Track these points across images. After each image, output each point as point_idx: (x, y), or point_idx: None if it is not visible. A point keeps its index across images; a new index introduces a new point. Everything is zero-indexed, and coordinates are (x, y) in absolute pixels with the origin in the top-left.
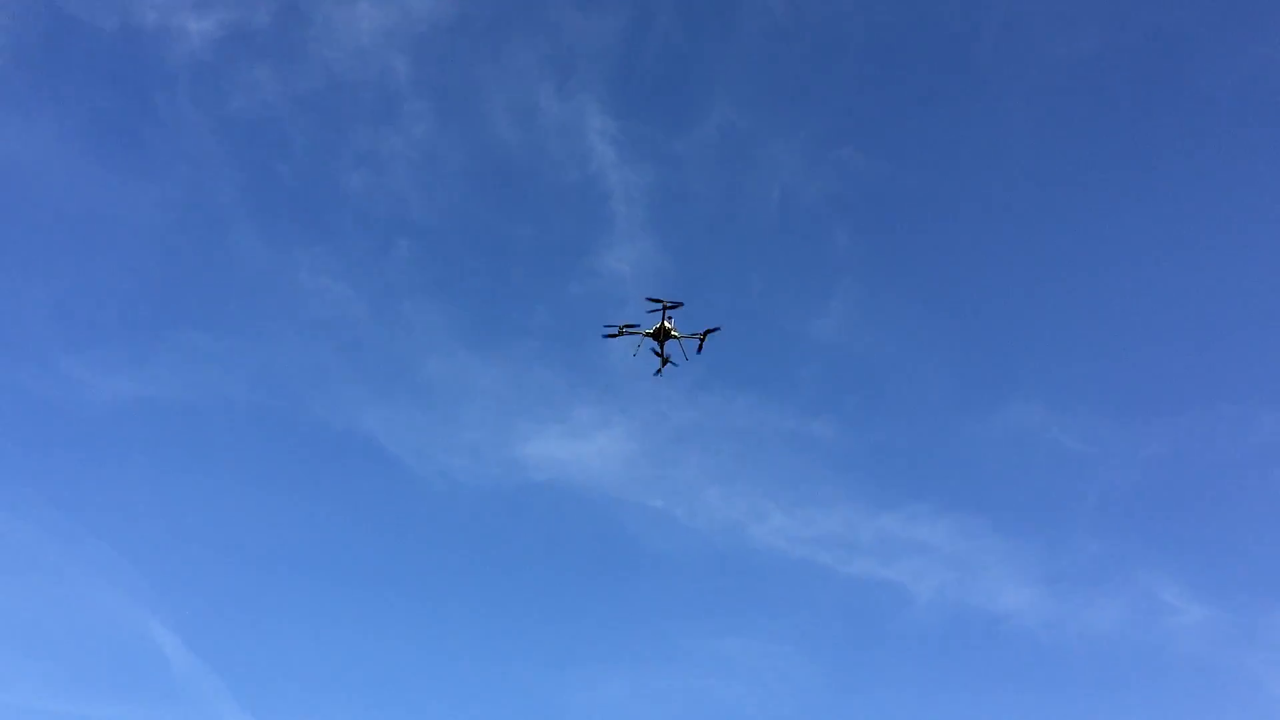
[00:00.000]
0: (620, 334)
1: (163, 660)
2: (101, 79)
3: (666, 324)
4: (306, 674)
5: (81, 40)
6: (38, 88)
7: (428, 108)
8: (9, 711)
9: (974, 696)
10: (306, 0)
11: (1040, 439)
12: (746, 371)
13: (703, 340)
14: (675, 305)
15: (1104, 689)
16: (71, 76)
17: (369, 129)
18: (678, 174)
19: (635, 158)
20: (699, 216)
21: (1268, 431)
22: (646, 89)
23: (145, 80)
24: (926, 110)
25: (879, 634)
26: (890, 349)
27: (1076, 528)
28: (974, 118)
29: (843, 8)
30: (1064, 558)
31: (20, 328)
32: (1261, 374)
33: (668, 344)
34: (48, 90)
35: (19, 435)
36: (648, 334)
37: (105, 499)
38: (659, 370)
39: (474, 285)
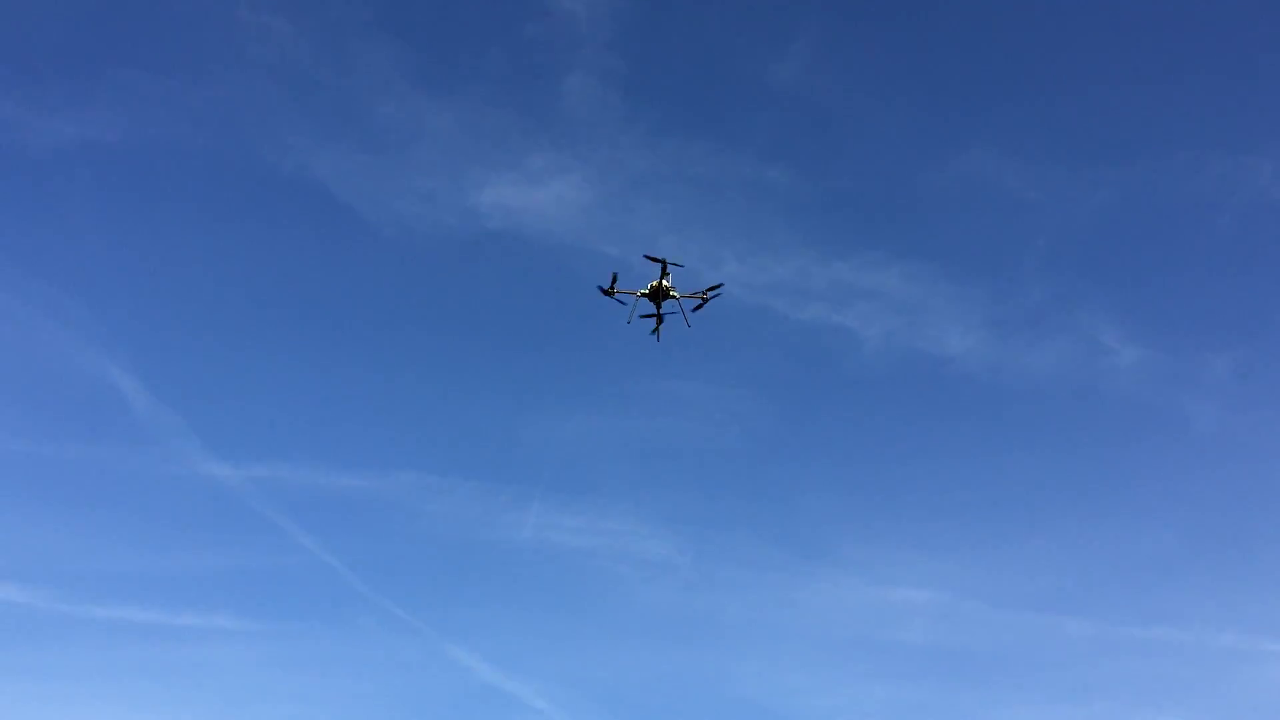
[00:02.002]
0: (613, 291)
1: (123, 402)
2: None
3: (664, 283)
4: (268, 413)
5: None
6: None
7: None
8: None
9: (918, 435)
10: None
11: (993, 186)
12: (705, 117)
13: (704, 300)
14: (676, 265)
15: (1042, 427)
16: None
17: None
18: None
19: None
20: None
21: (1215, 177)
22: None
23: None
24: None
25: (828, 377)
26: (849, 95)
27: (1023, 273)
28: None
29: None
30: (1009, 302)
31: None
32: (1213, 119)
33: (665, 304)
34: None
35: None
36: (643, 294)
37: (53, 242)
38: (655, 330)
39: (423, 23)
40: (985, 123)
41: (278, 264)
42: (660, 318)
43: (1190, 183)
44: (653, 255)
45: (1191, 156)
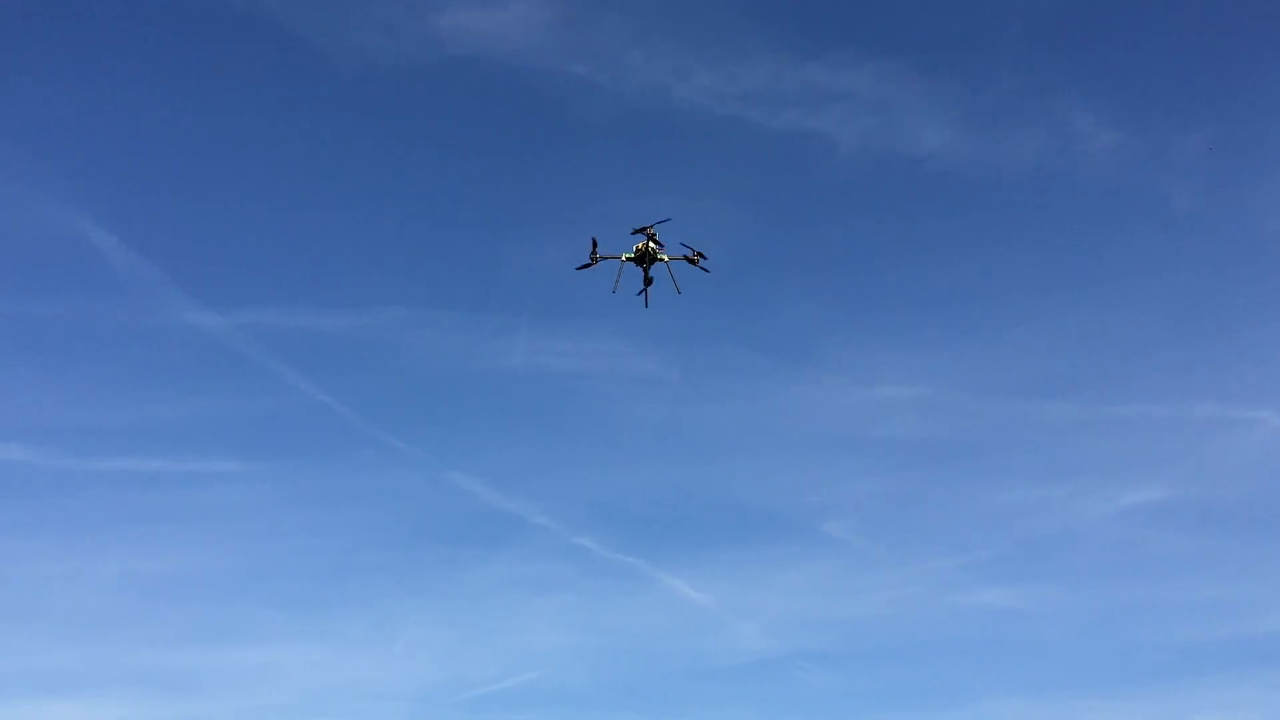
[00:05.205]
0: (594, 263)
1: (100, 257)
2: None
3: (651, 246)
4: (245, 258)
5: None
6: None
7: None
8: None
9: (897, 235)
10: None
11: None
12: None
13: (695, 262)
14: (661, 221)
15: (1019, 218)
16: None
17: None
18: None
19: None
20: None
21: None
22: None
23: None
24: None
25: (805, 184)
26: None
27: (997, 62)
28: None
29: None
30: (984, 94)
31: None
32: None
33: (655, 267)
34: None
35: None
36: (629, 258)
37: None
38: (643, 292)
39: None
40: None
41: (236, 105)
42: (649, 280)
43: None
44: (639, 227)
45: None
